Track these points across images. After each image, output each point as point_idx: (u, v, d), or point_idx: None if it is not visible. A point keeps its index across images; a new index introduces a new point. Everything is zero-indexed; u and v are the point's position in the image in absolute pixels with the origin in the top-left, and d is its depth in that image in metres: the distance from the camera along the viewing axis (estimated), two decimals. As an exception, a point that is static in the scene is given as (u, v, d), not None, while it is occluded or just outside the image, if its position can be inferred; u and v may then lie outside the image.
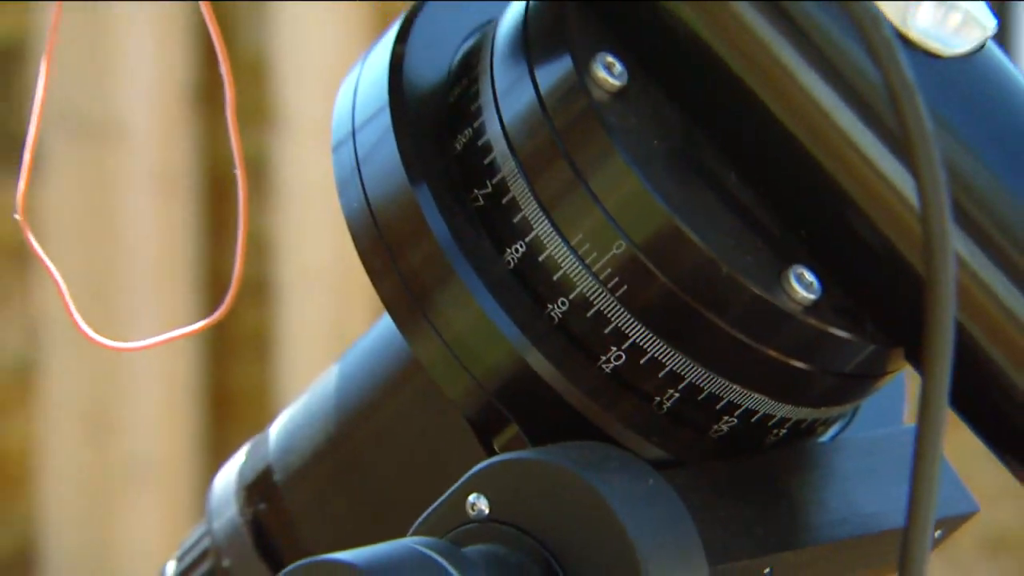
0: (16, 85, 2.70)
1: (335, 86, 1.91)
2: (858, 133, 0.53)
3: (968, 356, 0.51)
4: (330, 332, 2.67)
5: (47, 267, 0.60)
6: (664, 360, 0.54)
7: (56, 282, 0.57)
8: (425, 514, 0.53)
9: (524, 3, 0.57)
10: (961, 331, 0.49)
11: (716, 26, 0.54)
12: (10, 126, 2.68)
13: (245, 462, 0.64)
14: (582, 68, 0.54)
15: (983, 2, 0.52)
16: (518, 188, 0.54)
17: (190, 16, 2.64)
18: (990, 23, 0.52)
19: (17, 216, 0.56)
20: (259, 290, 2.64)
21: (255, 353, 2.70)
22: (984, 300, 0.53)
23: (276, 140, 2.62)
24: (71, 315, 0.61)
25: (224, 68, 0.60)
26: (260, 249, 2.66)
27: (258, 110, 2.62)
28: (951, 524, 0.58)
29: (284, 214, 2.65)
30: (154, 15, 2.66)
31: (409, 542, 0.52)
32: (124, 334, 2.30)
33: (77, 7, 2.53)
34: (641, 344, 0.54)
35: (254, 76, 2.59)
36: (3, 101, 2.72)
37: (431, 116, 0.57)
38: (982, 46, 0.52)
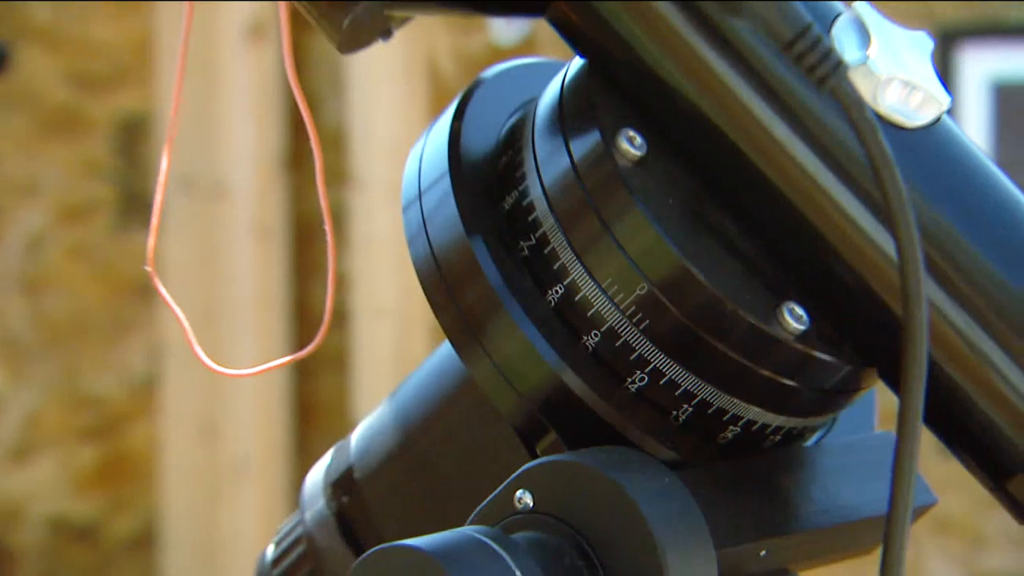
0: (143, 153, 2.73)
1: (400, 151, 2.28)
2: (842, 196, 0.54)
3: (934, 380, 0.52)
4: (396, 354, 2.68)
5: (170, 305, 0.61)
6: (679, 381, 0.55)
7: (177, 317, 0.59)
8: (480, 507, 0.55)
9: (560, 86, 0.59)
10: (931, 360, 0.51)
11: (720, 109, 0.56)
12: (137, 187, 2.75)
13: (331, 463, 0.65)
14: (609, 141, 0.55)
15: (939, 82, 0.54)
16: (557, 240, 0.56)
17: (282, 93, 2.71)
18: (945, 100, 0.53)
19: (147, 267, 0.59)
20: (338, 319, 2.54)
21: (335, 370, 2.69)
22: (948, 334, 0.54)
23: (352, 196, 2.64)
24: (190, 344, 0.64)
25: (312, 136, 0.61)
26: (339, 285, 2.58)
27: (337, 171, 2.62)
28: (917, 513, 0.59)
29: (358, 257, 2.65)
30: (253, 92, 2.72)
31: (467, 530, 0.53)
32: (229, 357, 2.52)
33: (191, 88, 2.49)
34: (660, 368, 0.55)
35: (334, 143, 2.62)
36: (133, 167, 2.75)
37: (483, 179, 0.58)
38: (939, 119, 0.54)
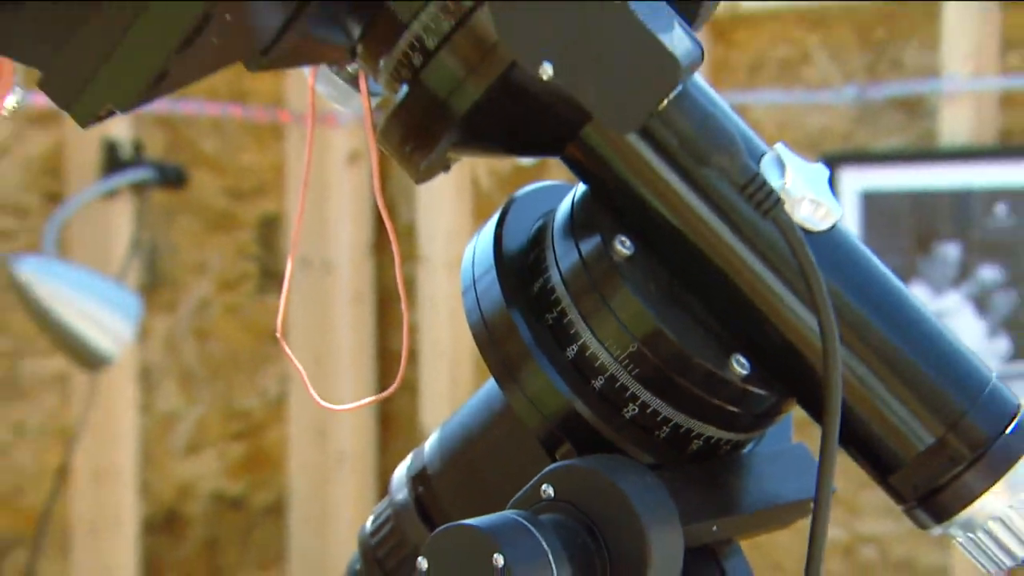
0: (276, 242, 2.82)
1: (452, 238, 2.74)
2: (777, 286, 0.56)
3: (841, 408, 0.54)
4: (451, 383, 2.73)
5: (290, 358, 0.67)
6: (660, 411, 0.57)
7: (296, 366, 0.65)
8: (516, 496, 0.57)
9: (571, 203, 0.61)
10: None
11: (689, 225, 0.57)
12: (272, 266, 2.84)
13: (410, 463, 0.66)
14: (607, 244, 0.58)
15: (834, 197, 0.55)
16: (572, 313, 0.58)
17: (371, 200, 2.80)
18: (839, 211, 0.55)
19: (277, 332, 0.64)
20: (410, 357, 2.67)
21: (408, 393, 2.73)
22: (849, 376, 0.56)
23: (419, 269, 2.73)
24: (305, 385, 0.70)
25: (390, 230, 0.65)
26: (410, 333, 2.61)
27: (409, 253, 2.73)
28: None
29: (424, 312, 2.74)
30: (350, 199, 2.79)
31: (508, 513, 0.55)
32: (333, 387, 2.78)
33: (309, 196, 2.60)
34: (647, 402, 0.57)
35: (407, 234, 2.72)
36: (269, 252, 2.81)
37: (518, 269, 0.60)
38: (835, 224, 0.55)
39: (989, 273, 2.24)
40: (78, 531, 2.50)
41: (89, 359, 2.23)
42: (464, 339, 2.64)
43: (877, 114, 2.39)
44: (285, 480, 2.84)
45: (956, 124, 2.26)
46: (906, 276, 2.29)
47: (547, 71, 0.51)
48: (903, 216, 2.32)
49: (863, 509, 2.28)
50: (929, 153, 2.34)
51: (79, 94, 0.51)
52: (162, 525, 2.67)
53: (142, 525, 2.57)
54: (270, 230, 2.83)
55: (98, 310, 2.23)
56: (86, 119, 0.51)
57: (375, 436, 2.84)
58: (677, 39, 0.50)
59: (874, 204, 2.34)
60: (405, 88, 0.56)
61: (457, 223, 2.70)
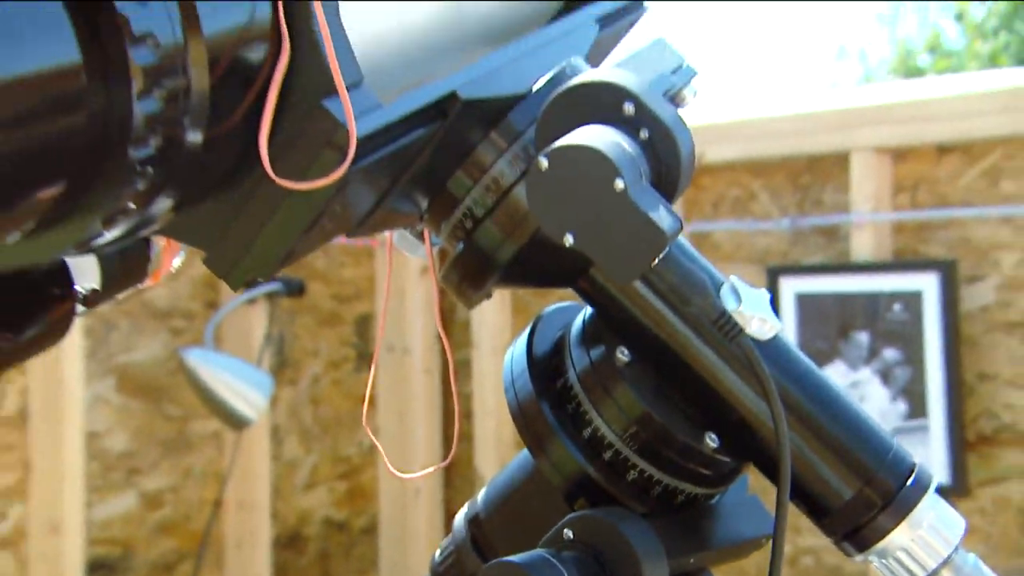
0: (368, 333, 2.85)
1: (498, 331, 2.76)
2: (738, 387, 0.55)
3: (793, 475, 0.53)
4: (497, 435, 2.69)
5: (370, 435, 0.66)
6: (655, 477, 0.56)
7: (376, 445, 0.72)
8: (545, 538, 0.55)
9: (582, 320, 0.58)
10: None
11: (675, 343, 0.55)
12: (365, 351, 2.84)
13: (467, 510, 0.63)
14: (610, 353, 0.56)
15: (775, 314, 0.53)
16: (586, 404, 0.56)
17: (428, 293, 2.75)
18: (779, 325, 0.53)
19: (363, 422, 0.83)
20: (467, 416, 2.68)
21: (466, 443, 2.70)
22: (793, 450, 0.54)
23: (473, 352, 2.73)
24: (385, 462, 0.65)
25: (438, 323, 0.65)
26: (465, 400, 2.71)
27: (464, 341, 2.74)
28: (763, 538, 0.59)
29: (477, 383, 2.74)
30: (423, 302, 2.75)
31: (538, 551, 0.54)
32: (411, 437, 2.74)
33: (392, 299, 2.73)
34: (644, 470, 0.55)
35: (464, 327, 2.73)
36: (363, 340, 2.83)
37: (544, 370, 0.58)
38: (776, 335, 0.54)
39: (890, 354, 2.23)
40: (228, 547, 2.56)
41: (235, 421, 2.31)
42: (506, 403, 2.66)
43: (805, 238, 2.38)
44: (376, 509, 2.84)
45: (862, 245, 2.27)
46: (831, 356, 2.27)
47: (569, 240, 0.50)
48: (826, 312, 2.29)
49: (802, 529, 2.28)
50: (844, 266, 2.32)
51: (233, 268, 0.50)
52: (287, 543, 2.69)
53: (273, 543, 2.61)
54: (364, 325, 2.84)
55: (242, 386, 2.30)
56: (237, 285, 0.50)
57: (441, 475, 2.83)
58: (663, 216, 0.49)
59: (805, 303, 2.32)
60: (461, 246, 0.55)
61: (501, 319, 2.71)
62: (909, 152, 2.27)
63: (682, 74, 0.57)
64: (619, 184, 0.47)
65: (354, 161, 0.46)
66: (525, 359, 0.58)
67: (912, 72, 11.15)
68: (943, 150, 2.25)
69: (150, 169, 0.43)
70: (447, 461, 0.62)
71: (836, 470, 0.55)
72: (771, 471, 0.55)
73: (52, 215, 0.42)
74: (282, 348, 2.67)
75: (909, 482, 0.56)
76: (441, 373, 2.82)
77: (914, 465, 0.56)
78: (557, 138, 0.50)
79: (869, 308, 2.27)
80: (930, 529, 0.55)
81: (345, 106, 0.46)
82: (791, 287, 2.36)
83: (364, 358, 2.85)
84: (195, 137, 0.44)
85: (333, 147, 0.46)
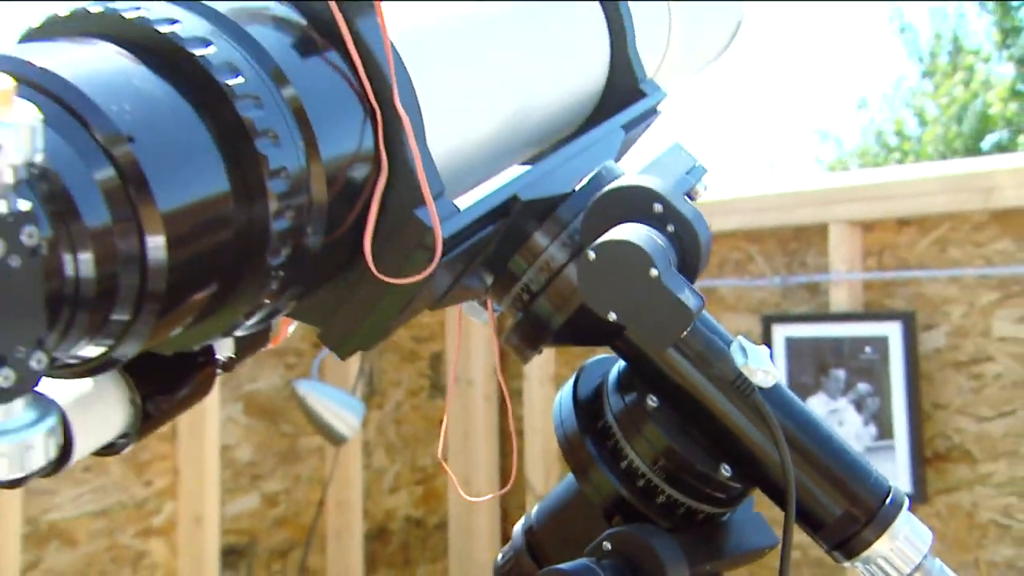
0: (440, 368, 2.79)
1: (545, 368, 2.70)
2: (749, 430, 0.54)
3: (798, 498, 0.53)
4: (545, 453, 2.68)
5: (443, 463, 0.66)
6: (680, 500, 0.55)
7: (449, 473, 0.72)
8: (588, 548, 0.54)
9: (617, 371, 0.57)
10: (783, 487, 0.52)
11: (698, 394, 0.54)
12: (439, 382, 2.80)
13: (523, 521, 0.62)
14: (641, 399, 0.55)
15: (773, 364, 0.52)
16: (622, 442, 0.55)
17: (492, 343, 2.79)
18: (777, 375, 0.52)
19: (440, 457, 0.78)
20: (519, 434, 2.71)
21: (518, 463, 2.69)
22: (796, 480, 0.53)
23: (526, 384, 2.72)
24: (455, 485, 0.84)
25: (497, 365, 0.72)
26: (519, 422, 2.71)
27: (519, 372, 2.72)
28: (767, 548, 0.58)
29: (528, 408, 2.72)
30: (484, 346, 2.74)
31: (582, 560, 0.53)
32: (474, 451, 2.75)
33: (463, 341, 2.70)
34: (671, 495, 0.55)
35: (517, 364, 2.43)
36: (437, 374, 2.77)
37: (587, 412, 0.57)
38: (776, 383, 0.53)
39: (863, 387, 2.23)
40: (329, 539, 2.57)
41: (335, 438, 2.30)
42: (551, 424, 2.60)
43: (793, 292, 2.39)
44: (446, 509, 2.84)
45: (839, 299, 2.26)
46: (814, 389, 2.25)
47: (612, 316, 0.48)
48: (810, 352, 2.29)
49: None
50: (824, 316, 2.32)
51: (342, 343, 0.48)
52: (376, 535, 2.69)
53: (364, 536, 2.61)
54: (436, 360, 2.82)
55: (340, 410, 2.29)
56: (345, 356, 0.49)
57: (496, 481, 2.82)
58: (689, 297, 0.47)
59: (793, 345, 2.31)
60: (520, 315, 0.54)
61: (546, 355, 2.71)
62: (876, 224, 2.29)
63: (695, 173, 0.57)
64: (654, 272, 0.47)
65: (439, 257, 0.46)
66: (571, 402, 0.57)
67: (882, 147, 11.52)
68: (903, 223, 2.27)
69: (281, 272, 0.43)
70: (507, 488, 0.61)
71: (828, 493, 0.54)
72: (774, 494, 0.54)
73: (205, 311, 0.42)
74: (372, 380, 2.66)
75: (887, 501, 0.55)
76: (498, 400, 2.83)
77: (890, 488, 0.55)
78: (601, 231, 0.49)
79: (845, 349, 2.27)
80: (905, 540, 0.54)
81: (432, 215, 0.46)
82: (781, 332, 2.36)
83: (436, 387, 2.84)
84: (315, 242, 0.44)
85: (423, 248, 0.47)
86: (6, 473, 0.36)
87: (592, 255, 0.49)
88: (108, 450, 0.51)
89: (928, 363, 2.20)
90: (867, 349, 2.23)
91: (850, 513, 0.54)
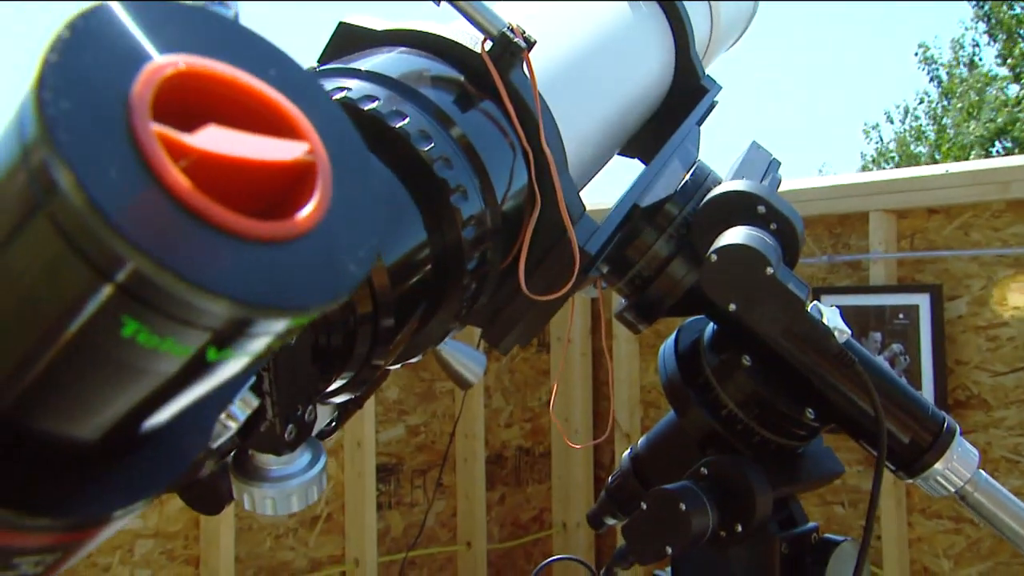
0: (546, 328, 2.60)
1: (635, 340, 2.72)
2: (836, 380, 0.53)
3: (852, 421, 0.52)
4: (631, 399, 2.65)
5: (553, 416, 0.72)
6: (769, 438, 0.53)
7: (556, 422, 0.70)
8: (688, 472, 0.55)
9: (711, 330, 0.56)
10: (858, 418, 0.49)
11: (797, 365, 0.51)
12: (541, 340, 2.87)
13: (630, 450, 0.62)
14: (736, 357, 0.53)
15: (844, 322, 0.50)
16: (720, 391, 0.54)
17: (590, 310, 2.79)
18: (848, 331, 0.50)
19: (550, 408, 0.76)
20: (609, 385, 2.80)
21: (608, 402, 2.78)
22: (870, 415, 0.52)
23: (615, 341, 2.67)
24: (563, 434, 0.79)
25: (603, 339, 0.93)
26: (610, 372, 2.84)
27: (609, 333, 2.70)
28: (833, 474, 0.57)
29: (617, 363, 2.67)
30: (582, 306, 2.79)
31: (684, 481, 0.55)
32: (571, 398, 2.72)
33: (571, 358, 2.74)
34: (762, 435, 0.53)
35: (608, 325, 2.62)
36: (541, 331, 2.62)
37: (687, 362, 0.56)
38: (849, 335, 0.53)
39: (896, 347, 2.24)
40: (459, 462, 2.71)
41: (462, 383, 1.84)
42: (636, 378, 2.71)
43: (838, 269, 2.41)
44: (550, 441, 2.92)
45: (876, 274, 2.30)
46: None
47: (732, 307, 0.48)
48: (852, 318, 2.15)
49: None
50: (864, 288, 2.34)
51: (501, 342, 0.50)
52: (494, 460, 2.80)
53: (486, 460, 2.73)
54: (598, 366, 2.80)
55: (466, 360, 2.02)
56: (505, 352, 0.49)
57: (591, 424, 2.88)
58: (799, 287, 0.45)
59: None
60: (633, 298, 0.54)
61: (635, 341, 2.72)
62: (909, 212, 2.33)
63: (773, 168, 0.57)
64: (769, 270, 0.48)
65: (578, 273, 0.46)
66: (674, 355, 0.58)
67: (917, 143, 12.24)
68: (932, 211, 2.31)
69: (473, 284, 0.44)
70: (604, 436, 0.51)
71: (897, 424, 0.55)
72: (857, 434, 0.54)
73: (422, 323, 0.43)
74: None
75: (944, 430, 0.56)
76: (592, 355, 2.87)
77: (944, 418, 0.56)
78: (711, 232, 0.50)
79: (882, 316, 2.30)
80: (958, 459, 0.55)
81: (572, 242, 0.46)
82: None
83: (542, 344, 2.92)
84: (495, 269, 0.44)
85: (568, 270, 0.47)
86: (284, 509, 0.36)
87: (714, 257, 0.50)
88: (319, 436, 0.51)
89: (952, 327, 2.24)
90: (900, 316, 2.27)
91: (915, 441, 0.55)
